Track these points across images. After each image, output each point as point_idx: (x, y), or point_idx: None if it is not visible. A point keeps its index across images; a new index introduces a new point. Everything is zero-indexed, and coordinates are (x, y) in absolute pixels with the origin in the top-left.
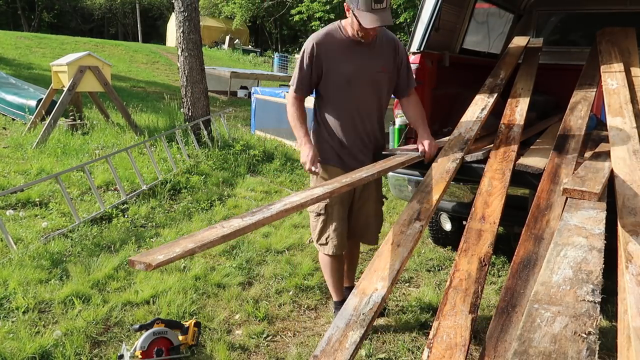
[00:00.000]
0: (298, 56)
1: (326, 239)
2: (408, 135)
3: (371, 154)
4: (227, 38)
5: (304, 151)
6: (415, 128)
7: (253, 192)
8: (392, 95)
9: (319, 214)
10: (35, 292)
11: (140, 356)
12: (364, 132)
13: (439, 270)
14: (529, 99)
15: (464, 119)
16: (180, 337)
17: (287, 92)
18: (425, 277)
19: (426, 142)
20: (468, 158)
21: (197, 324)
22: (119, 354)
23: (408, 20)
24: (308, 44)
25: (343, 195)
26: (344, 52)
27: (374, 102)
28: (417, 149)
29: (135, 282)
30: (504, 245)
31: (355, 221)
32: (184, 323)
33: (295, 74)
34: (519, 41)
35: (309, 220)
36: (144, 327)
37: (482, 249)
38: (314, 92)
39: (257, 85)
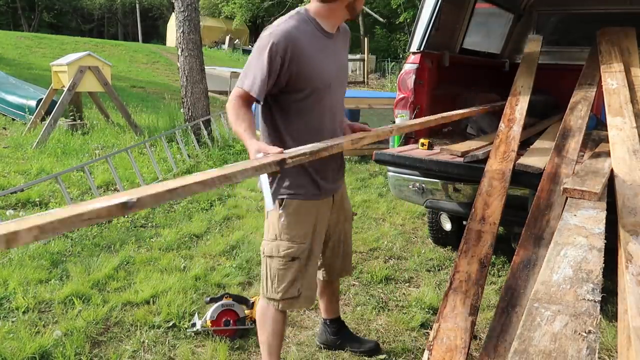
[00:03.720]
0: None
1: (299, 290)
2: (408, 135)
3: (343, 168)
4: (227, 38)
5: (252, 144)
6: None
7: (253, 192)
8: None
9: (294, 259)
10: (35, 292)
11: (210, 325)
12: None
13: (439, 270)
14: (529, 97)
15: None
16: (246, 311)
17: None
18: (425, 277)
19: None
20: (468, 158)
21: None
22: (191, 322)
23: (408, 20)
24: (274, 41)
25: (321, 233)
26: (320, 50)
27: (343, 103)
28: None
29: (135, 282)
30: (504, 245)
31: (334, 256)
32: (249, 298)
33: (255, 72)
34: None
35: None
36: (213, 300)
37: (482, 250)
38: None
39: None
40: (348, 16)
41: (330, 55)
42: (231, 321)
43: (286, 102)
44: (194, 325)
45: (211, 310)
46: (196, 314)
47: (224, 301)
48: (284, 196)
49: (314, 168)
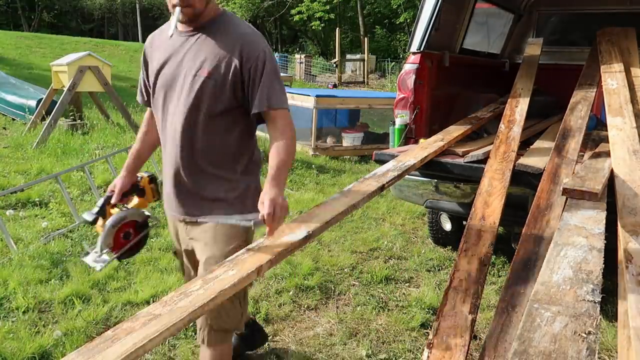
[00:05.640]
0: None
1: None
2: (408, 135)
3: (195, 203)
4: None
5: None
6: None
7: None
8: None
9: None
10: (35, 292)
11: (112, 252)
12: (182, 168)
13: (439, 270)
14: (528, 99)
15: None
16: (138, 201)
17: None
18: (425, 277)
19: (267, 203)
20: (468, 158)
21: (152, 179)
22: (82, 253)
23: (408, 20)
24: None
25: None
26: (165, 48)
27: (195, 121)
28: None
29: (135, 282)
30: (504, 245)
31: None
32: (137, 183)
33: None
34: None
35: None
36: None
37: (482, 249)
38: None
39: None
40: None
41: (174, 54)
42: (132, 232)
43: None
44: (86, 255)
45: (103, 237)
46: (84, 243)
47: (111, 219)
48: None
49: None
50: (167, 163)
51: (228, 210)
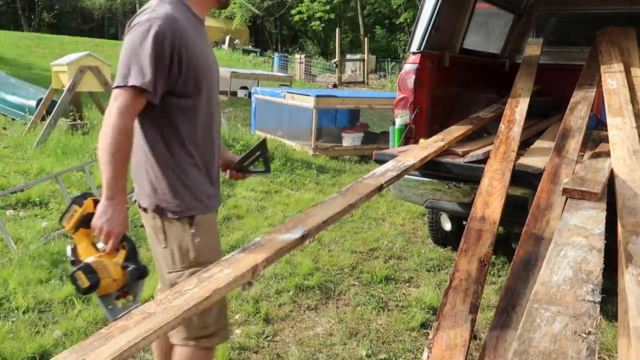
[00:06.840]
0: (147, 44)
1: (223, 320)
2: (408, 135)
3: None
4: (227, 38)
5: (116, 213)
6: None
7: (253, 192)
8: None
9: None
10: (35, 292)
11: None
12: (217, 163)
13: (439, 270)
14: (528, 99)
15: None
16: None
17: (125, 91)
18: (425, 277)
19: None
20: (468, 158)
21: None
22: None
23: (408, 20)
24: (166, 27)
25: None
26: (201, 38)
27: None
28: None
29: None
30: (504, 245)
31: None
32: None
33: (146, 66)
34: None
35: None
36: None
37: (482, 249)
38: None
39: (257, 85)
40: (217, 4)
41: (208, 46)
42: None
43: (174, 106)
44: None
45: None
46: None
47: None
48: (195, 212)
49: (209, 176)
50: (211, 159)
51: None
